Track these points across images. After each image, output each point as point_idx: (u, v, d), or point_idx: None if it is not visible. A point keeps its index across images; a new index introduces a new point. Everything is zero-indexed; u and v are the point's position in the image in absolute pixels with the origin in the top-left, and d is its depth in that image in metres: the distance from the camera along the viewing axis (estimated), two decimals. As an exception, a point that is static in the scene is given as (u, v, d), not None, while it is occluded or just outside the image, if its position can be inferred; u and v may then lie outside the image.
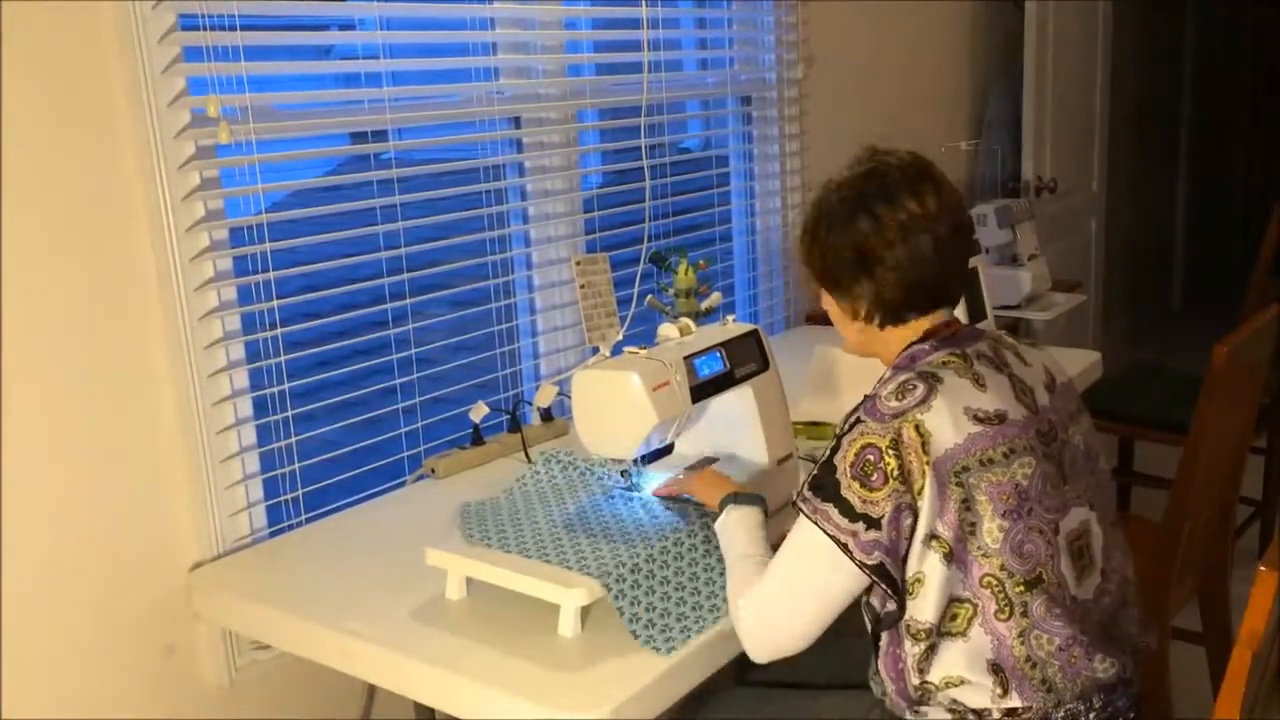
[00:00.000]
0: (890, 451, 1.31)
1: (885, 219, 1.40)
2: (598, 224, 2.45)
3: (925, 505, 1.31)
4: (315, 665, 1.58)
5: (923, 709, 1.38)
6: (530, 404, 2.24)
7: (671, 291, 2.32)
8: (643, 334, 2.17)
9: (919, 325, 1.45)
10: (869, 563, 1.31)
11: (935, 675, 1.35)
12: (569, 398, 1.70)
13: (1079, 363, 2.51)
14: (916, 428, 1.31)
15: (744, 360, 1.78)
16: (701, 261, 2.40)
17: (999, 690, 1.34)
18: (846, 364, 2.24)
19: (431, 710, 1.59)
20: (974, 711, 1.35)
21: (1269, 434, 3.26)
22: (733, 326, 1.82)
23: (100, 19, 1.59)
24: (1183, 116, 6.02)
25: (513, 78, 2.27)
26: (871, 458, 1.31)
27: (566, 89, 2.36)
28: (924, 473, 1.31)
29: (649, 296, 2.37)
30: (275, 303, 1.84)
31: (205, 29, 1.70)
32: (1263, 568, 1.26)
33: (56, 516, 1.61)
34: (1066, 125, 3.88)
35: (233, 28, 1.73)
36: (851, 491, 1.32)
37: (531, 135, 2.32)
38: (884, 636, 1.39)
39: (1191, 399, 2.08)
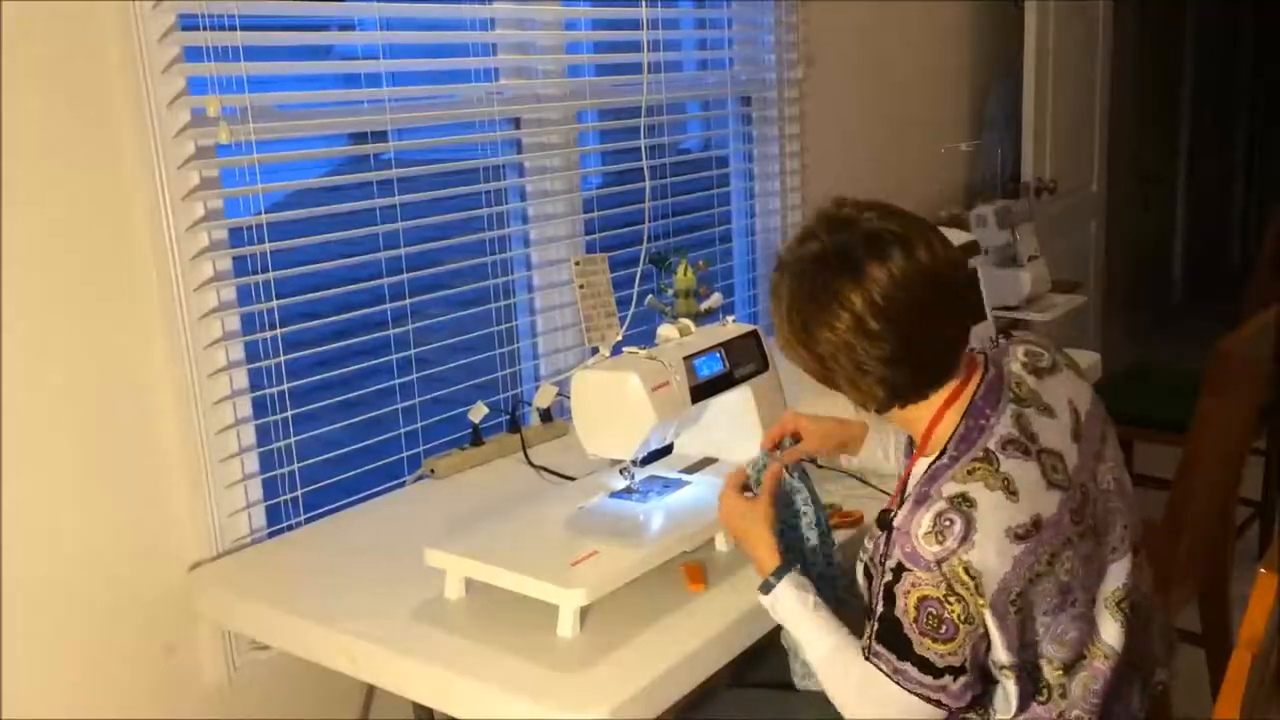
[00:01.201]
0: (949, 599, 1.25)
1: (861, 308, 1.26)
2: (597, 225, 2.44)
3: (995, 635, 1.29)
4: (314, 665, 1.58)
5: None
6: (530, 404, 2.24)
7: (671, 292, 2.32)
8: (642, 334, 2.17)
9: (942, 392, 1.35)
10: (963, 704, 1.30)
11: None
12: (568, 398, 1.70)
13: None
14: (965, 570, 1.25)
15: (744, 361, 1.78)
16: (701, 262, 2.40)
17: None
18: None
19: (430, 710, 1.59)
20: None
21: (1269, 434, 3.26)
22: (732, 327, 1.82)
23: (100, 18, 1.59)
24: (1183, 116, 6.02)
25: (512, 78, 2.27)
26: (934, 610, 1.26)
27: (566, 90, 2.36)
28: (981, 613, 1.26)
29: (649, 297, 2.37)
30: (275, 303, 1.84)
31: (205, 29, 1.70)
32: (1262, 569, 1.26)
33: (55, 516, 1.61)
34: (1067, 125, 3.88)
35: (232, 27, 1.73)
36: (925, 649, 1.28)
37: (531, 136, 2.32)
38: None
39: (1191, 399, 2.08)
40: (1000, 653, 1.29)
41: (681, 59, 2.69)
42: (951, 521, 1.25)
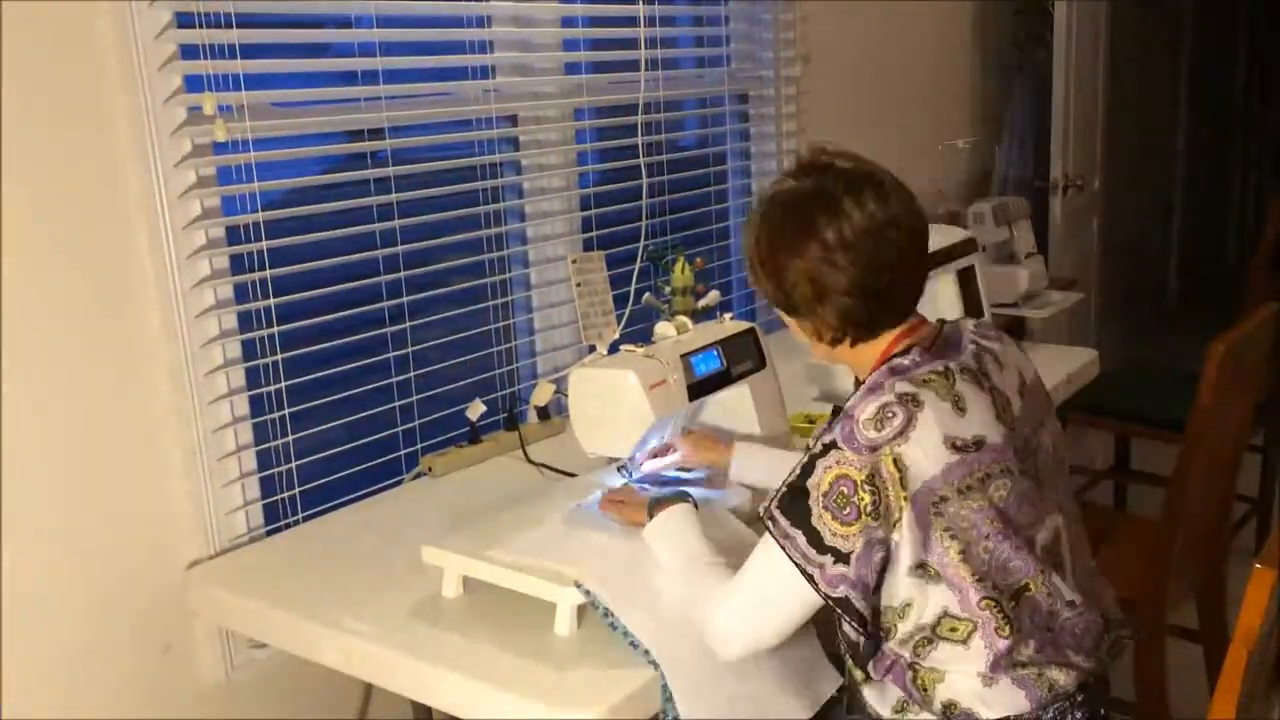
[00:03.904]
0: (866, 486, 1.28)
1: (832, 241, 1.33)
2: (594, 222, 2.44)
3: (905, 536, 1.29)
4: (312, 663, 1.58)
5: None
6: (527, 402, 2.23)
7: (669, 289, 2.32)
8: (639, 332, 2.17)
9: (890, 335, 1.41)
10: (833, 595, 1.30)
11: (928, 662, 1.36)
12: (566, 396, 1.69)
13: (1076, 360, 2.51)
14: (895, 461, 1.27)
15: (741, 358, 1.78)
16: (698, 259, 2.40)
17: (987, 676, 1.34)
18: (844, 368, 2.24)
19: (428, 709, 1.59)
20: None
21: (1266, 432, 3.27)
22: (729, 324, 1.82)
23: (97, 16, 1.59)
24: (1180, 114, 6.02)
25: (509, 75, 2.27)
26: (846, 490, 1.28)
27: (563, 87, 2.36)
28: (902, 507, 1.28)
29: (646, 295, 2.37)
30: (272, 301, 1.84)
31: (201, 26, 1.69)
32: (1259, 565, 1.26)
33: (53, 515, 1.61)
34: (1074, 125, 3.88)
35: (229, 25, 1.73)
36: (823, 523, 1.29)
37: (528, 133, 2.32)
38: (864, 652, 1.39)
39: (1188, 397, 2.08)
40: (916, 553, 1.30)
41: (679, 56, 2.69)
42: (894, 414, 1.29)
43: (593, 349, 1.76)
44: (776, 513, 1.33)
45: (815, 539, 1.30)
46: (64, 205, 1.58)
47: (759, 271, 1.43)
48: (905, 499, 1.28)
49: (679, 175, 2.63)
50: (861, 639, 1.36)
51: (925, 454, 1.28)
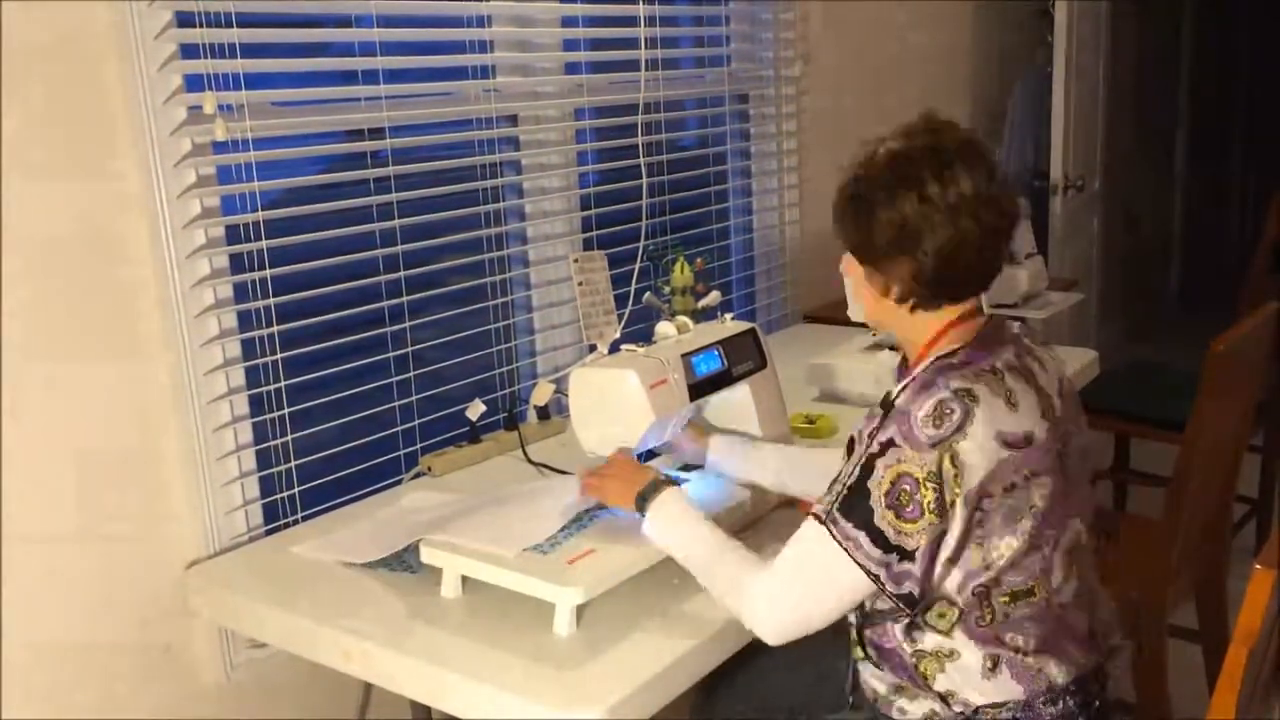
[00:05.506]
0: (928, 484, 1.28)
1: (934, 198, 1.32)
2: (595, 222, 2.44)
3: (954, 529, 1.30)
4: (311, 663, 1.58)
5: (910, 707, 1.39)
6: (527, 402, 2.23)
7: (669, 289, 2.32)
8: (640, 332, 2.17)
9: (948, 312, 1.40)
10: (899, 593, 1.31)
11: (927, 645, 1.36)
12: (566, 396, 1.69)
13: (1076, 361, 2.51)
14: (952, 459, 1.28)
15: (742, 358, 1.78)
16: (699, 260, 2.40)
17: (989, 665, 1.35)
18: (845, 369, 2.25)
19: (428, 708, 1.59)
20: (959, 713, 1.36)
21: (1265, 432, 3.27)
22: (730, 324, 1.82)
23: (96, 15, 1.59)
24: (1180, 115, 6.02)
25: (509, 75, 2.27)
26: (908, 488, 1.28)
27: (563, 87, 2.36)
28: (954, 503, 1.29)
29: (646, 294, 2.37)
30: (271, 300, 1.84)
31: (201, 25, 1.69)
32: (1259, 565, 1.26)
33: (53, 515, 1.61)
34: (1075, 125, 3.89)
35: (229, 24, 1.73)
36: (885, 522, 1.29)
37: (528, 133, 2.31)
38: (866, 631, 1.41)
39: (1189, 397, 2.08)
40: (954, 546, 1.31)
41: (679, 56, 2.69)
42: (952, 410, 1.29)
43: (593, 348, 1.76)
44: (838, 515, 1.32)
45: (879, 539, 1.30)
46: (64, 205, 1.58)
47: (846, 212, 1.40)
48: (958, 496, 1.28)
49: (679, 175, 2.62)
50: (879, 604, 1.37)
51: (980, 449, 1.28)
